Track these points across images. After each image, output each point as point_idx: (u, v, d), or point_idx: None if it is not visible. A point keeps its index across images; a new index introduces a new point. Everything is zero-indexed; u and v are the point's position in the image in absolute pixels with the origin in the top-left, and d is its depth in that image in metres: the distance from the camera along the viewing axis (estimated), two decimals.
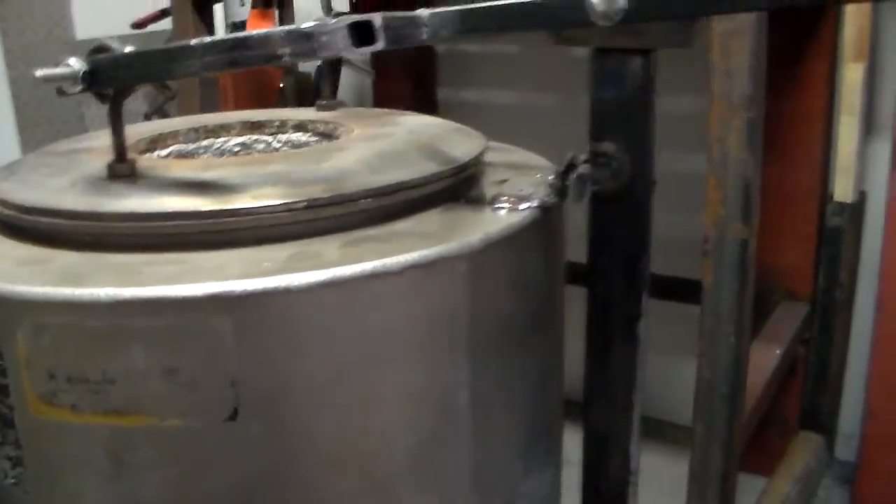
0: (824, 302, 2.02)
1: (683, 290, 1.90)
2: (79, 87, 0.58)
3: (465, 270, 0.56)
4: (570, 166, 0.62)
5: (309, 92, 2.43)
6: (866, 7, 1.70)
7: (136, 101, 2.83)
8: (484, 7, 0.56)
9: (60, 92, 0.59)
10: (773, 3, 0.59)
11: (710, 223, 1.50)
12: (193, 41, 0.54)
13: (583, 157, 0.64)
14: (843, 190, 1.93)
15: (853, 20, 1.74)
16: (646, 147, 0.62)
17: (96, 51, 0.60)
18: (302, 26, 0.52)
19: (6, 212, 0.62)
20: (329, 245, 0.55)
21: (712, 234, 1.51)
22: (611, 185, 0.62)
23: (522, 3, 0.56)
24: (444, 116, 2.38)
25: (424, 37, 0.56)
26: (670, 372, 2.10)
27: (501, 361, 0.61)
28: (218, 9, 2.48)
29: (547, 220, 0.62)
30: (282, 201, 0.56)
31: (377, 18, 0.51)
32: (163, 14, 2.44)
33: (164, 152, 0.80)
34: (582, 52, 0.63)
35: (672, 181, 2.04)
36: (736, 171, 1.47)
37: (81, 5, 2.68)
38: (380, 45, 0.51)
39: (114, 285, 0.51)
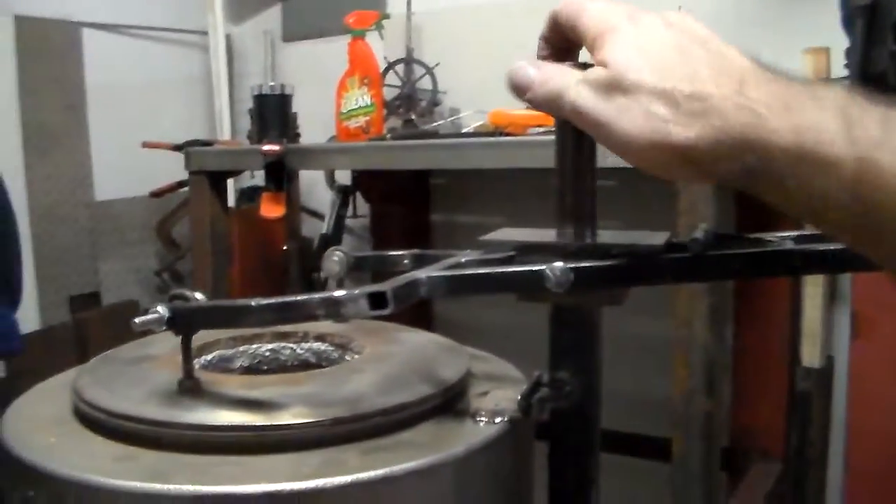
0: (797, 461, 2.17)
1: (657, 449, 2.06)
2: (163, 328, 0.77)
3: (451, 473, 0.75)
4: (535, 387, 0.81)
5: (310, 254, 2.64)
6: None
7: (149, 259, 3.04)
8: (469, 275, 0.76)
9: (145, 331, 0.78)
10: (695, 277, 0.78)
11: (677, 397, 1.68)
12: (253, 302, 0.73)
13: (545, 377, 0.83)
14: (810, 355, 2.12)
15: None
16: (593, 374, 0.81)
17: (175, 297, 0.80)
18: (333, 294, 0.71)
19: (96, 414, 0.81)
20: (350, 453, 0.74)
21: (679, 407, 1.69)
22: (565, 404, 0.81)
23: (496, 273, 0.76)
24: (436, 239, 2.60)
25: (423, 295, 0.75)
26: None
27: None
28: (230, 180, 2.71)
29: (516, 429, 0.81)
30: (314, 419, 0.75)
31: (389, 290, 0.70)
32: (179, 185, 2.68)
33: (209, 357, 0.99)
34: None
35: (641, 344, 2.23)
36: (701, 351, 1.66)
37: (102, 170, 2.87)
38: (390, 308, 0.70)
39: (191, 483, 0.70)
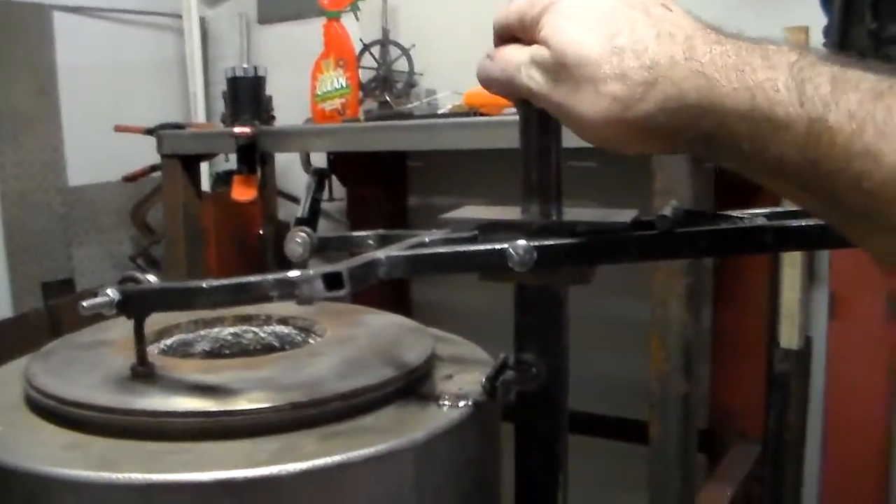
0: (775, 443, 2.16)
1: (634, 431, 2.05)
2: (113, 311, 0.75)
3: (412, 459, 0.72)
4: (500, 369, 0.79)
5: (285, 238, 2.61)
6: None
7: (123, 245, 3.01)
8: (428, 254, 0.74)
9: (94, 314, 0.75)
10: (661, 255, 0.76)
11: (654, 378, 1.66)
12: (205, 283, 0.71)
13: (511, 359, 0.80)
14: (788, 337, 2.11)
15: None
16: (560, 356, 0.79)
17: (126, 279, 0.77)
18: (287, 274, 0.68)
19: (46, 401, 0.78)
20: (308, 439, 0.72)
21: (656, 389, 1.67)
22: (531, 386, 0.78)
23: (457, 252, 0.73)
24: (414, 221, 2.58)
25: (381, 276, 0.73)
26: None
27: None
28: (204, 163, 2.68)
29: (482, 413, 0.79)
30: (271, 404, 0.73)
31: (344, 270, 0.67)
32: (152, 169, 2.64)
33: (169, 341, 0.96)
34: None
35: (621, 326, 2.21)
36: (677, 332, 1.64)
37: (75, 154, 2.83)
38: (346, 289, 0.68)
39: (140, 471, 0.67)
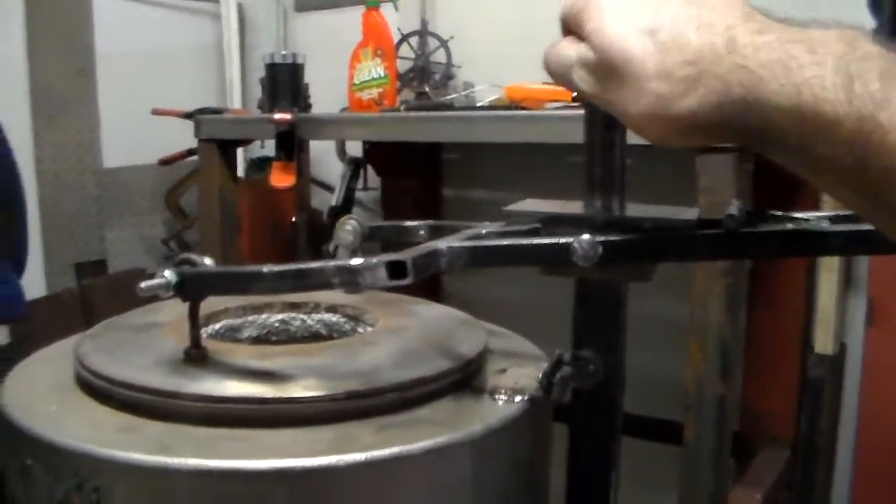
0: (806, 447, 2.14)
1: (666, 432, 2.04)
2: (170, 294, 0.74)
3: (469, 453, 0.71)
4: (556, 365, 0.78)
5: (319, 226, 2.61)
6: None
7: (156, 228, 3.01)
8: (491, 246, 0.73)
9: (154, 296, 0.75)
10: (728, 254, 0.74)
11: (690, 379, 1.65)
12: (265, 268, 0.70)
13: (567, 355, 0.79)
14: (823, 342, 2.08)
15: None
16: (618, 354, 0.78)
17: (183, 262, 0.76)
18: (350, 261, 0.67)
19: (99, 382, 0.78)
20: (364, 429, 0.71)
21: (692, 390, 1.66)
22: (588, 384, 0.77)
23: (520, 244, 0.72)
24: (447, 212, 2.56)
25: (443, 266, 0.72)
26: None
27: None
28: (239, 150, 2.68)
29: (536, 409, 0.78)
30: (326, 392, 0.72)
31: (409, 259, 0.66)
32: (189, 153, 2.63)
33: (217, 326, 0.96)
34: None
35: (656, 326, 2.20)
36: (715, 333, 1.62)
37: (111, 137, 2.84)
38: (409, 278, 0.67)
39: (195, 456, 0.66)
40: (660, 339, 2.09)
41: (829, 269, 2.04)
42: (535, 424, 0.79)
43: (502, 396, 0.77)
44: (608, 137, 0.74)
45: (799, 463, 2.15)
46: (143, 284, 0.72)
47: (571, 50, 0.60)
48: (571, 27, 0.61)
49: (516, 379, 0.81)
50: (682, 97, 0.52)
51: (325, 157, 2.86)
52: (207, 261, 0.77)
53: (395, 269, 0.66)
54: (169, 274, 0.74)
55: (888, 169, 0.44)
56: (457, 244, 0.72)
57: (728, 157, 1.51)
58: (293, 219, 2.70)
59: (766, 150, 0.52)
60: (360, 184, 2.50)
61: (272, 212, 2.71)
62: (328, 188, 2.84)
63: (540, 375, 0.77)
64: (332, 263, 0.68)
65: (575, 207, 0.77)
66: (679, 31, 0.52)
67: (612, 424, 0.79)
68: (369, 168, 2.58)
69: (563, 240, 0.70)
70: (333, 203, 2.44)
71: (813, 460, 2.14)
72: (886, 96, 0.44)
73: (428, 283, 2.29)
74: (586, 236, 0.69)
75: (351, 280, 0.67)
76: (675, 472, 1.69)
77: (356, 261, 0.67)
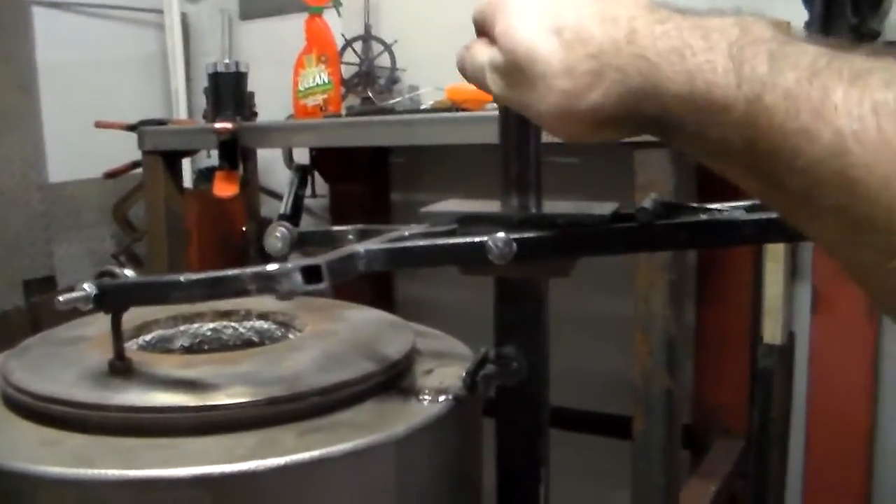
0: (759, 437, 2.16)
1: (619, 427, 2.05)
2: (90, 306, 0.74)
3: (392, 454, 0.72)
4: (481, 363, 0.79)
5: None
6: None
7: (105, 242, 2.99)
8: (408, 247, 0.74)
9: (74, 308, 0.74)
10: (642, 246, 0.75)
11: (638, 374, 1.66)
12: (182, 277, 0.70)
13: (491, 353, 0.80)
14: (771, 332, 2.11)
15: None
16: (540, 351, 0.79)
17: (103, 274, 0.76)
18: (265, 268, 0.68)
19: (22, 397, 0.77)
20: (286, 434, 0.71)
21: (640, 384, 1.67)
22: (512, 381, 0.78)
23: (436, 245, 0.73)
24: (396, 217, 2.55)
25: (361, 269, 0.72)
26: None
27: None
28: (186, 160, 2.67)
29: (462, 408, 0.78)
30: (249, 399, 0.72)
31: (323, 264, 0.67)
32: (134, 165, 2.62)
33: (147, 337, 0.96)
34: None
35: (605, 323, 2.22)
36: (660, 327, 1.64)
37: (56, 151, 2.81)
38: (325, 283, 0.67)
39: (117, 467, 0.66)
40: (613, 337, 2.11)
41: (774, 260, 2.07)
42: (462, 423, 0.80)
43: (426, 397, 0.78)
44: (523, 136, 0.75)
45: (753, 453, 2.17)
46: (61, 298, 0.72)
47: (483, 53, 0.61)
48: (483, 29, 0.62)
49: (441, 379, 0.81)
50: (587, 92, 0.52)
51: (273, 166, 2.85)
52: (128, 272, 0.77)
53: (310, 274, 0.66)
54: (88, 286, 0.74)
55: (775, 150, 0.45)
56: (374, 247, 0.72)
57: (665, 153, 1.53)
58: (243, 228, 2.69)
59: (668, 138, 0.52)
60: (308, 191, 2.50)
61: (221, 222, 2.69)
62: (277, 196, 2.83)
63: (463, 375, 0.77)
64: (248, 270, 0.68)
65: (493, 207, 0.78)
66: (583, 27, 0.53)
67: (537, 420, 0.80)
68: (317, 175, 2.58)
69: (478, 239, 0.70)
70: (282, 211, 2.43)
71: (766, 450, 2.16)
72: (773, 79, 0.45)
73: (378, 287, 2.29)
74: (501, 234, 0.70)
75: (267, 286, 0.67)
76: (629, 468, 1.70)
77: (271, 267, 0.67)
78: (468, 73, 0.65)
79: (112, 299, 0.75)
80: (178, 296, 0.72)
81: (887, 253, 0.41)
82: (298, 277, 0.66)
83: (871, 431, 2.00)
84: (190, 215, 2.45)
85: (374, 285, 2.56)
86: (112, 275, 0.76)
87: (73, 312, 0.77)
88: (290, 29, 2.56)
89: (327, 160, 2.54)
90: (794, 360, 2.17)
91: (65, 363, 0.82)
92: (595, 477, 2.31)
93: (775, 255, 2.05)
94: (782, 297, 2.08)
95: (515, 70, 0.57)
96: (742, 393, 2.16)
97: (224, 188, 2.10)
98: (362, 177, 2.66)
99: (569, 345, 2.34)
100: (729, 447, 2.14)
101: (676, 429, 1.71)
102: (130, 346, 0.92)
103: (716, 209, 0.74)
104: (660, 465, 1.68)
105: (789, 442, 2.18)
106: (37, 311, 2.64)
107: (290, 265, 0.67)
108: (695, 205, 0.75)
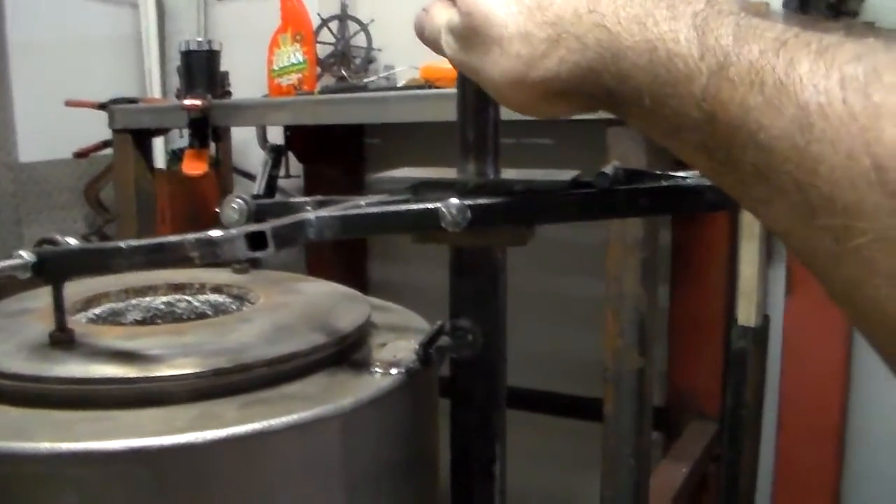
0: (732, 421, 2.15)
1: (591, 409, 2.03)
2: (28, 275, 0.71)
3: (339, 427, 0.69)
4: (435, 336, 0.76)
5: None
6: None
7: (76, 223, 2.95)
8: (360, 214, 0.71)
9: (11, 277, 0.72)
10: (600, 213, 0.73)
11: (608, 354, 1.64)
12: (123, 244, 0.67)
13: (447, 325, 0.78)
14: (746, 314, 2.09)
15: None
16: (497, 323, 0.76)
17: (43, 242, 0.73)
18: (209, 233, 0.65)
19: None
20: (228, 406, 0.69)
21: (611, 364, 1.65)
22: (467, 353, 0.76)
23: (389, 211, 0.70)
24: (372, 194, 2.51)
25: (311, 237, 0.69)
26: (580, 487, 2.23)
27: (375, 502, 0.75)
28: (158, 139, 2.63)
29: (415, 381, 0.76)
30: (192, 370, 0.70)
31: (268, 229, 0.64)
32: (104, 145, 2.58)
33: (97, 310, 0.93)
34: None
35: (577, 303, 2.20)
36: (631, 306, 1.62)
37: (27, 130, 2.76)
38: (270, 250, 0.64)
39: (52, 440, 0.64)
40: (585, 318, 2.09)
41: (749, 239, 2.05)
42: (416, 397, 0.78)
43: (378, 370, 0.75)
44: (480, 101, 0.73)
45: (725, 435, 2.16)
46: None
47: (442, 14, 0.59)
48: None
49: (395, 352, 0.79)
50: (541, 59, 0.50)
51: (247, 147, 2.82)
52: (70, 240, 0.74)
53: (255, 240, 0.64)
54: (27, 254, 0.71)
55: (736, 124, 0.42)
56: (325, 214, 0.70)
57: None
58: (216, 209, 2.65)
59: (624, 114, 0.50)
60: (282, 171, 2.46)
61: (194, 203, 2.65)
62: (251, 177, 2.80)
63: (416, 348, 0.75)
64: (190, 236, 0.66)
65: (450, 174, 0.75)
66: None
67: (493, 393, 0.78)
68: (291, 155, 2.55)
69: (431, 205, 0.68)
70: (255, 191, 2.40)
71: (739, 432, 2.15)
72: (738, 51, 0.42)
73: (349, 267, 2.26)
74: (454, 200, 0.67)
75: (210, 253, 0.65)
76: (600, 450, 1.68)
77: (215, 233, 0.65)
78: (425, 35, 0.62)
79: (52, 268, 0.72)
80: (120, 263, 0.70)
81: (845, 239, 0.38)
82: (242, 243, 0.64)
83: (844, 413, 1.99)
84: (162, 196, 2.42)
85: (345, 265, 2.53)
86: (53, 242, 0.73)
87: (27, 285, 0.74)
88: (267, 9, 2.53)
89: (301, 140, 2.50)
90: (769, 343, 2.16)
91: (6, 335, 0.80)
92: (567, 459, 2.30)
93: (751, 235, 2.03)
94: (757, 278, 2.06)
95: (472, 33, 0.54)
96: (716, 375, 2.15)
97: (193, 166, 2.06)
98: (337, 157, 2.63)
99: (542, 326, 2.33)
100: (702, 430, 2.13)
101: (647, 409, 1.69)
102: (79, 319, 0.89)
103: (680, 176, 0.72)
104: (630, 446, 1.67)
105: (763, 424, 2.17)
106: (6, 293, 2.60)
107: (234, 231, 0.64)
108: (658, 172, 0.73)
